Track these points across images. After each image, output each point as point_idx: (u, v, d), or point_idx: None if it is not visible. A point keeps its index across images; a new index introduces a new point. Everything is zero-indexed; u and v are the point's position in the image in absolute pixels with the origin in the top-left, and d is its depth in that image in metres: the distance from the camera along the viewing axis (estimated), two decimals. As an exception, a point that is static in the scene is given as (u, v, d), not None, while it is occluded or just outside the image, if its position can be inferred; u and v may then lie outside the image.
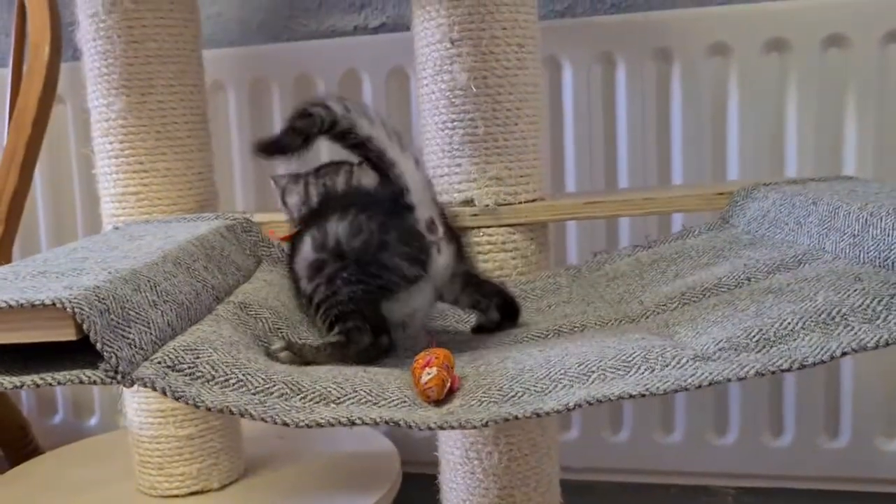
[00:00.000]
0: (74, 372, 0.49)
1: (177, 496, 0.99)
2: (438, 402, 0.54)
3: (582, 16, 1.26)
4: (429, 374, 0.54)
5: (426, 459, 1.06)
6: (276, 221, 0.89)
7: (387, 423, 0.50)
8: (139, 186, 0.95)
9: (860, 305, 0.51)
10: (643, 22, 1.18)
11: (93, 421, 1.43)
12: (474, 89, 0.88)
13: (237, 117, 1.31)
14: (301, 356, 0.63)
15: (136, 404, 0.99)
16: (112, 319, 0.51)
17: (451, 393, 0.55)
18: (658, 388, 0.50)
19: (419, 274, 0.67)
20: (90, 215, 1.37)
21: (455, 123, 0.90)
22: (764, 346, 0.51)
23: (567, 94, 1.21)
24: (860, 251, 0.62)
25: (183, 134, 0.96)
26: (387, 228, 0.66)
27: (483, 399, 0.54)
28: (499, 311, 0.74)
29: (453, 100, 0.90)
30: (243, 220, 0.86)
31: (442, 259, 0.68)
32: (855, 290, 0.53)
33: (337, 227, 0.67)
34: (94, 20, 0.93)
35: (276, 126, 1.28)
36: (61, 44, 1.16)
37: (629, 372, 0.53)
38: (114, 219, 0.96)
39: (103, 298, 0.51)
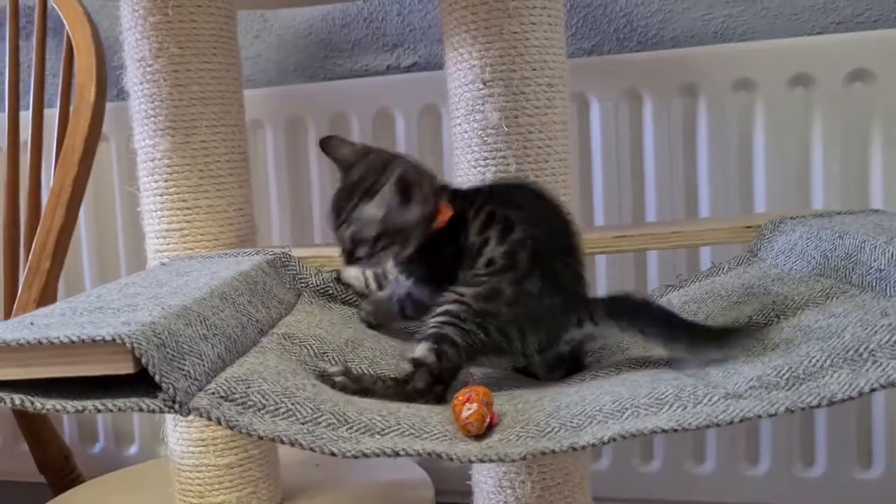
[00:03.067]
0: (134, 400, 0.51)
1: (217, 524, 1.01)
2: (478, 437, 0.56)
3: (609, 53, 1.28)
4: (469, 409, 0.56)
5: (459, 489, 1.07)
6: (314, 257, 0.91)
7: (429, 454, 0.52)
8: (182, 223, 0.97)
9: (887, 341, 0.52)
10: (669, 59, 1.20)
11: (133, 449, 1.46)
12: (506, 128, 0.90)
13: (274, 154, 1.35)
14: (358, 384, 0.65)
15: (178, 434, 1.01)
16: (167, 353, 0.53)
17: (490, 428, 0.57)
18: (690, 423, 0.51)
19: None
20: (132, 249, 1.40)
21: (487, 161, 0.92)
22: (794, 384, 0.52)
23: (595, 130, 1.23)
24: (886, 285, 0.63)
25: (225, 172, 0.99)
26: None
27: (521, 434, 0.55)
28: (565, 370, 0.73)
29: (485, 138, 0.91)
30: (282, 255, 0.88)
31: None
32: (882, 326, 0.54)
33: (526, 284, 0.70)
34: (142, 65, 0.96)
35: (312, 163, 1.33)
36: (106, 85, 1.20)
37: (662, 409, 0.54)
38: (158, 254, 0.98)
39: (159, 333, 0.53)
